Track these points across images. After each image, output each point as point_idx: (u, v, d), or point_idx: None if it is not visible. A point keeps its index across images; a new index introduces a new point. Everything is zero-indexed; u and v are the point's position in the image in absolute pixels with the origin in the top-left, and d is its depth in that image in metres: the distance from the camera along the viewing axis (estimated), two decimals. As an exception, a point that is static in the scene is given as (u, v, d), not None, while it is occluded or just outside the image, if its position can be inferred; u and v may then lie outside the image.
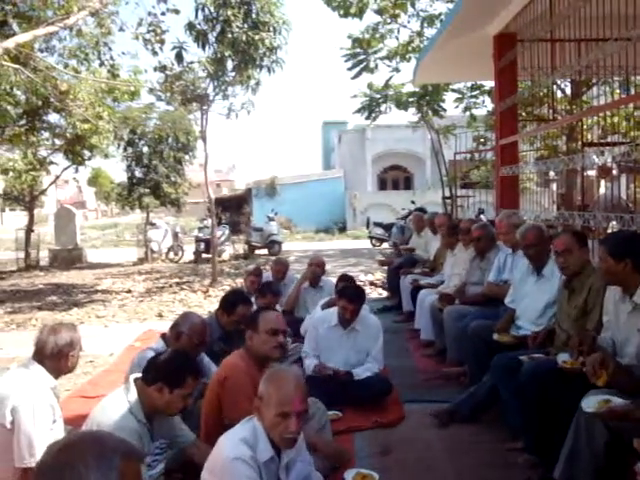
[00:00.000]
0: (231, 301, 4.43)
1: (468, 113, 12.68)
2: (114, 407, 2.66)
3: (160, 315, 8.63)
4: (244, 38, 9.32)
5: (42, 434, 2.79)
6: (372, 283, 10.57)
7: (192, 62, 10.07)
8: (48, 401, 2.88)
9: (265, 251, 17.33)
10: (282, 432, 2.31)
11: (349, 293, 4.61)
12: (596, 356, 2.67)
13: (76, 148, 15.09)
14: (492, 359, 3.83)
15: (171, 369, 2.73)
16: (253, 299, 5.26)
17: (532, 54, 5.61)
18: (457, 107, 12.70)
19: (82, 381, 5.42)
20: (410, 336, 6.56)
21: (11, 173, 16.06)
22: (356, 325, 4.60)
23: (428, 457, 3.64)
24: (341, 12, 10.73)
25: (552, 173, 9.40)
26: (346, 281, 5.65)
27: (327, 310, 4.88)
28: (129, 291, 11.06)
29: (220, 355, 4.01)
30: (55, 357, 2.97)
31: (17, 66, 8.29)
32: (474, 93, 12.24)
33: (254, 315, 3.39)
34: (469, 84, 12.03)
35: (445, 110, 12.34)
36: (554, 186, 10.76)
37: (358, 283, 10.25)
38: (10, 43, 6.02)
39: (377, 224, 18.73)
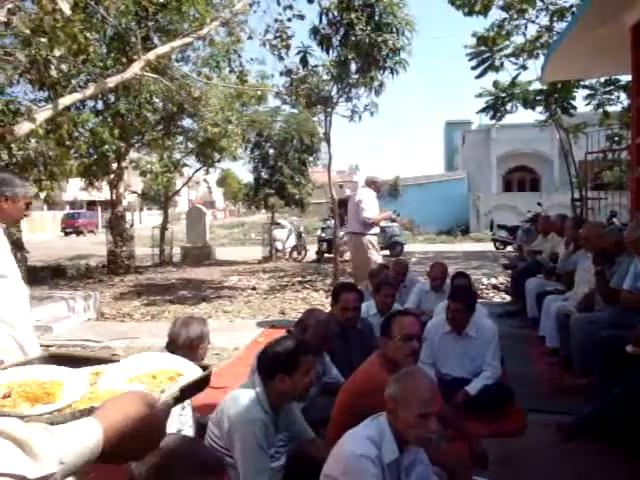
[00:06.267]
0: (337, 290, 4.54)
1: (601, 110, 11.97)
2: (244, 398, 2.78)
3: (283, 312, 8.89)
4: (367, 40, 9.38)
5: (172, 420, 2.99)
6: (495, 287, 10.27)
7: (316, 66, 10.27)
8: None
9: (387, 252, 17.32)
10: (422, 433, 2.30)
11: (456, 294, 4.61)
12: None
13: (207, 151, 15.94)
14: (624, 371, 3.62)
15: (281, 358, 2.79)
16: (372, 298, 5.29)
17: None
18: (588, 104, 12.02)
19: (209, 372, 5.69)
20: (533, 343, 6.31)
21: (149, 175, 17.30)
22: (470, 331, 4.48)
23: (548, 472, 3.49)
24: (465, 10, 10.50)
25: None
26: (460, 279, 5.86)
27: (441, 316, 4.78)
28: (254, 288, 11.47)
29: (339, 353, 4.08)
30: (186, 348, 3.16)
31: (156, 76, 8.89)
32: (608, 89, 11.53)
33: (387, 320, 3.36)
34: (602, 79, 11.35)
35: (575, 108, 11.71)
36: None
37: (480, 287, 10.13)
38: (151, 55, 6.48)
39: (501, 227, 18.19)
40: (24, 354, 2.79)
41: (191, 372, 1.22)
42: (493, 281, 10.76)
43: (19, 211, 3.04)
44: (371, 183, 8.12)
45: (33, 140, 10.01)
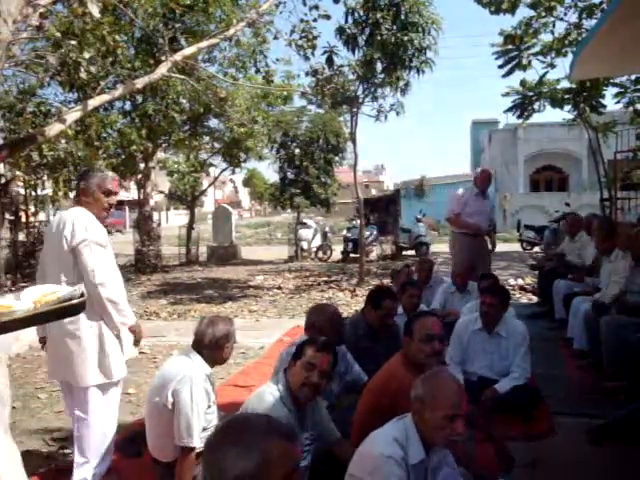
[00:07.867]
0: (378, 296, 4.46)
1: (631, 108, 11.73)
2: (267, 396, 2.81)
3: (308, 312, 8.89)
4: (393, 40, 9.36)
5: (198, 417, 3.02)
6: (522, 288, 10.16)
7: (342, 65, 10.28)
8: (204, 387, 3.10)
9: (412, 252, 17.24)
10: (448, 434, 2.29)
11: (490, 288, 4.67)
12: None
13: (233, 151, 16.06)
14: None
15: (297, 348, 2.93)
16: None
17: None
18: (618, 102, 11.79)
19: (234, 371, 5.70)
20: (561, 345, 6.22)
21: (175, 175, 17.49)
22: (501, 330, 4.46)
23: (576, 476, 3.44)
24: (492, 9, 10.37)
25: None
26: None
27: (472, 315, 4.77)
28: (279, 288, 11.51)
29: (366, 353, 4.08)
30: (212, 348, 3.18)
31: (183, 77, 8.95)
32: (639, 86, 11.30)
33: (410, 320, 3.35)
34: (633, 77, 11.12)
35: (604, 106, 11.50)
36: None
37: (507, 287, 10.00)
38: (178, 57, 6.51)
39: (528, 227, 17.99)
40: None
41: (66, 292, 1.83)
42: (520, 282, 10.64)
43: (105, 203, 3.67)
44: (474, 179, 7.71)
45: (63, 141, 10.17)
